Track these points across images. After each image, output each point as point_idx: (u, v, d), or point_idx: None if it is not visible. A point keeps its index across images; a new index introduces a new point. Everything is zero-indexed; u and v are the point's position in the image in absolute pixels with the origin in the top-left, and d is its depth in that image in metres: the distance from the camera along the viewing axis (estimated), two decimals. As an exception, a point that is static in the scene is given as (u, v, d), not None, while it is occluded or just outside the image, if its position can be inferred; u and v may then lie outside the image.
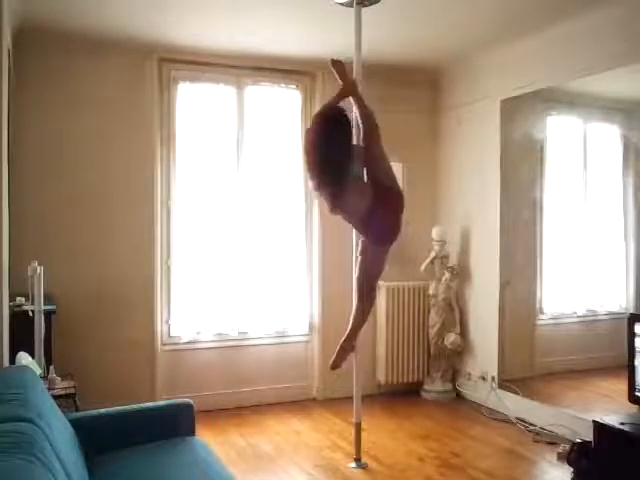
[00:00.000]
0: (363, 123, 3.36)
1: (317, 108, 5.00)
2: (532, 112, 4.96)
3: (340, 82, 3.48)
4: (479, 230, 4.99)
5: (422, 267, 5.11)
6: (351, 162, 3.18)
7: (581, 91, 4.66)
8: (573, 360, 4.97)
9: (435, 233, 5.11)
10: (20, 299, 3.59)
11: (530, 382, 4.75)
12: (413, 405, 4.95)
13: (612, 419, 3.26)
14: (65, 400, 3.23)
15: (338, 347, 3.59)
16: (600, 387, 4.77)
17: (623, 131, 5.15)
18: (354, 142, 3.35)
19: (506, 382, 4.70)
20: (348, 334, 3.59)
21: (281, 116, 5.04)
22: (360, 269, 3.53)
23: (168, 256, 4.72)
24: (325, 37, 4.35)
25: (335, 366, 3.56)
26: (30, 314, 3.45)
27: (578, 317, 5.22)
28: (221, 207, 4.86)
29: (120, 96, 4.51)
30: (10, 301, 3.32)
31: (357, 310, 3.60)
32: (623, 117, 5.15)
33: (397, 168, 5.26)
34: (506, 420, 4.48)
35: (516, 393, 4.58)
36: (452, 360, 5.17)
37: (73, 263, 4.33)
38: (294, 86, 5.09)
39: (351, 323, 3.61)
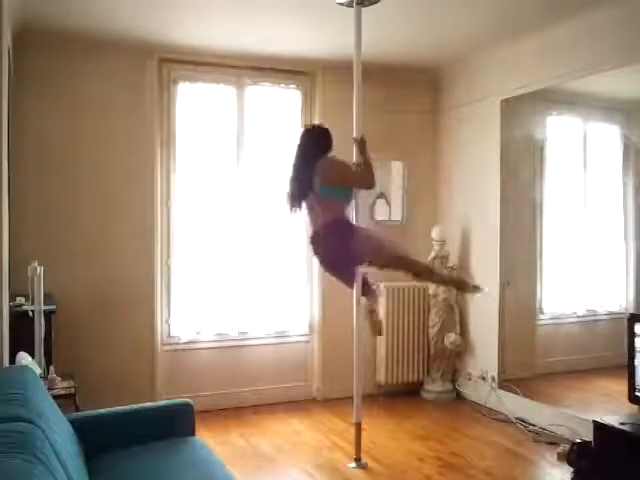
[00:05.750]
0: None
1: (317, 108, 5.03)
2: (532, 112, 4.96)
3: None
4: (479, 230, 4.98)
5: (422, 267, 5.11)
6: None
7: (581, 91, 4.66)
8: (573, 360, 4.96)
9: (435, 233, 5.11)
10: (20, 299, 3.59)
11: (530, 382, 4.75)
12: (413, 405, 4.95)
13: (612, 419, 3.26)
14: (65, 400, 3.23)
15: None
16: (600, 387, 4.77)
17: (623, 131, 5.15)
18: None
19: (506, 382, 4.70)
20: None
21: (281, 116, 5.04)
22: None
23: (168, 256, 4.72)
24: (325, 37, 4.35)
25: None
26: (30, 314, 3.44)
27: (578, 317, 5.22)
28: (221, 207, 4.86)
29: (120, 96, 4.51)
30: (10, 301, 3.32)
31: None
32: (623, 117, 5.15)
33: (398, 167, 5.32)
34: (506, 420, 4.48)
35: (516, 393, 4.57)
36: (452, 360, 5.17)
37: (73, 263, 4.33)
38: (294, 86, 5.08)
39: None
